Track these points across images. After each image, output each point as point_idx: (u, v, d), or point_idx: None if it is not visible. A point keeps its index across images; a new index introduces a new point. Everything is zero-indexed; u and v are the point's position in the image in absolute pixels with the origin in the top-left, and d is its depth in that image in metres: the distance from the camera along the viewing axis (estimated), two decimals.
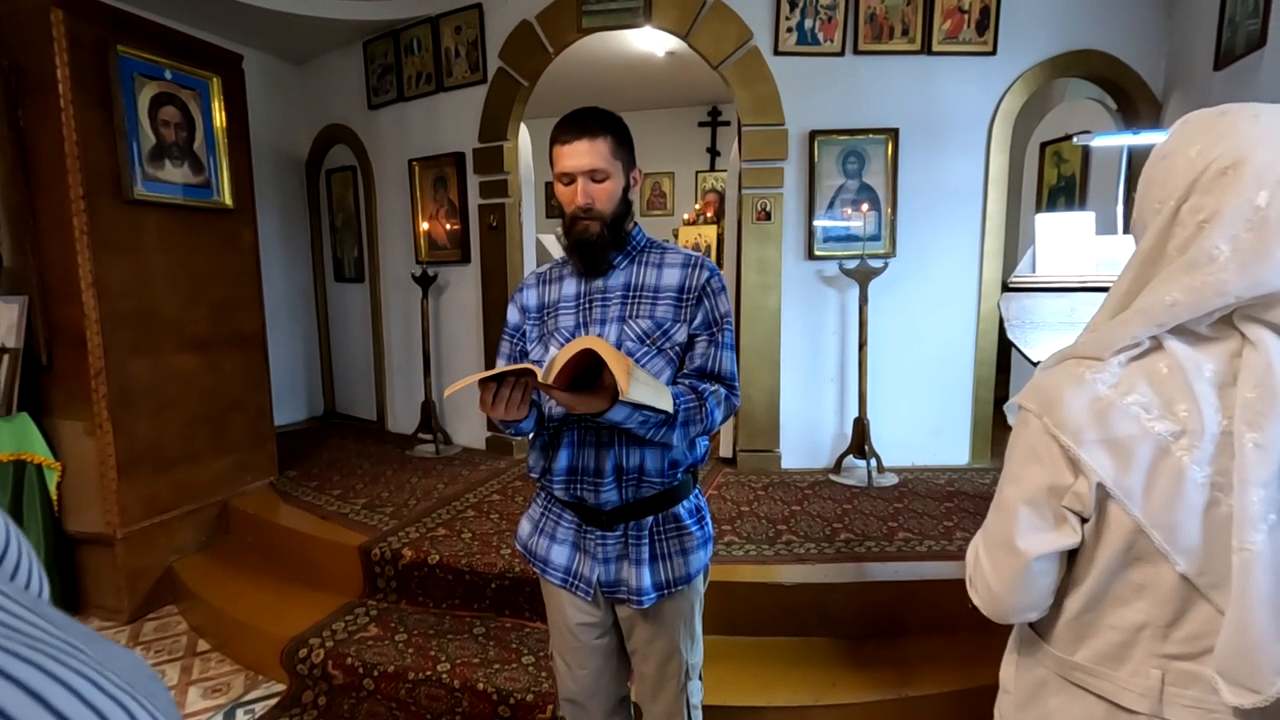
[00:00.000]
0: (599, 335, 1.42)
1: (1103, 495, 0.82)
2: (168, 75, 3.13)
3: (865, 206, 3.66)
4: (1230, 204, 0.76)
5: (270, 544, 3.25)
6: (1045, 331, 2.46)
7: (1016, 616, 0.93)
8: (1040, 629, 0.96)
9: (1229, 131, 0.78)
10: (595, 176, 1.37)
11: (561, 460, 1.44)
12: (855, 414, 3.67)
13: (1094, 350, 0.86)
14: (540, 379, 1.17)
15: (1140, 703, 0.83)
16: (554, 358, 1.16)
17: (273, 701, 2.45)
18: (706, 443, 1.53)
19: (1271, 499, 0.73)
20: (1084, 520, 0.85)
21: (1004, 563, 0.90)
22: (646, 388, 1.14)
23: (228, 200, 3.43)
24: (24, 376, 2.90)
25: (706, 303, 1.42)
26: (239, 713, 2.40)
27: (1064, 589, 0.91)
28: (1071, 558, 0.89)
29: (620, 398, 1.10)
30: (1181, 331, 0.81)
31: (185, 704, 2.45)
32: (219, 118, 3.37)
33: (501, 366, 1.33)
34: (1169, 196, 0.81)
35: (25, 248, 2.87)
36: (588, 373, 1.17)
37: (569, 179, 1.38)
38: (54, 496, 2.96)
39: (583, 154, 1.36)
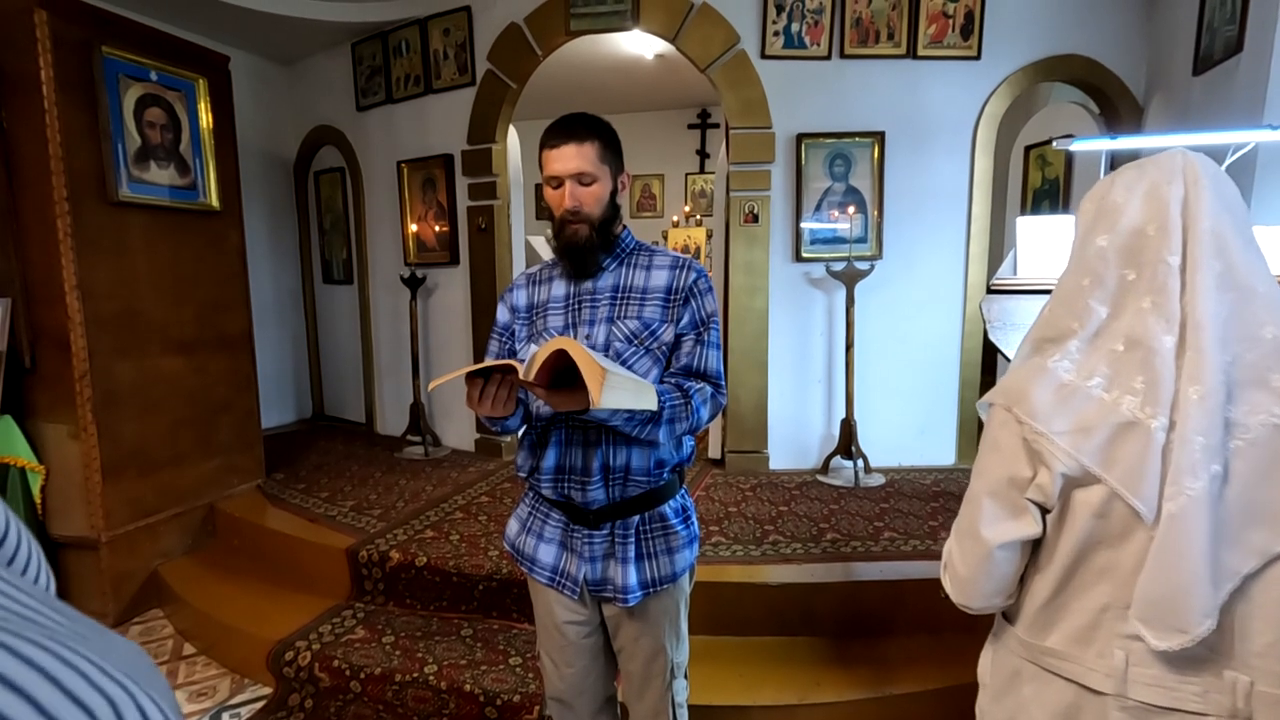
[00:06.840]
0: (588, 335, 1.43)
1: (1065, 486, 0.86)
2: (153, 76, 3.12)
3: (852, 209, 3.69)
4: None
5: (257, 547, 3.23)
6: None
7: (982, 601, 0.98)
8: (1013, 618, 0.99)
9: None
10: (582, 180, 1.39)
11: (549, 459, 1.45)
12: (842, 415, 3.69)
13: (1055, 324, 0.93)
14: (521, 375, 1.18)
15: (1106, 683, 0.86)
16: (534, 355, 1.17)
17: (259, 705, 2.44)
18: (693, 442, 1.54)
19: (1213, 448, 0.77)
20: (1047, 511, 0.90)
21: (970, 550, 0.95)
22: (625, 392, 1.14)
23: (214, 202, 3.42)
24: (7, 379, 2.87)
25: (693, 303, 1.44)
26: (225, 716, 2.39)
27: (1033, 577, 0.94)
28: (1037, 547, 0.93)
29: (591, 407, 1.11)
30: (1134, 307, 0.86)
31: None
32: (205, 119, 3.35)
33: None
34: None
35: (8, 249, 2.85)
36: (571, 370, 1.18)
37: (557, 183, 1.40)
38: (38, 500, 2.94)
39: (570, 158, 1.38)
